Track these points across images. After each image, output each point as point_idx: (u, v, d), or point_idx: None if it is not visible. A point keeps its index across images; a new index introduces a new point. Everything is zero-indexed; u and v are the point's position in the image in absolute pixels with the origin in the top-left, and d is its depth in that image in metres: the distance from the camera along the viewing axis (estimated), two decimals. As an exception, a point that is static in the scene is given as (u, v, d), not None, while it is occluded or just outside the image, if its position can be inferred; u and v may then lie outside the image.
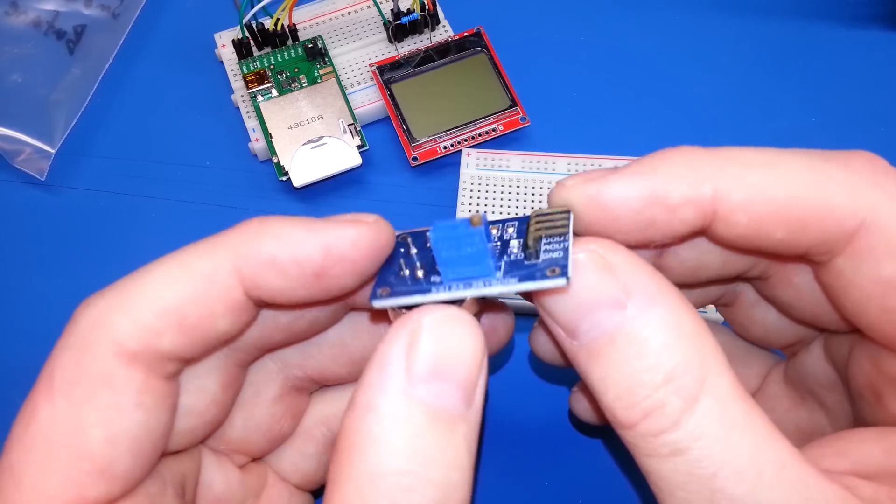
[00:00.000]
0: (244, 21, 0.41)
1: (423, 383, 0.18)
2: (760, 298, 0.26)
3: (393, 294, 0.20)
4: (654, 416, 0.18)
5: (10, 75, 0.42)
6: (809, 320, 0.24)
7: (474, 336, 0.19)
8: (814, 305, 0.23)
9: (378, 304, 0.20)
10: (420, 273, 0.21)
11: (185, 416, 0.22)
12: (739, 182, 0.20)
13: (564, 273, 0.19)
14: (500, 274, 0.20)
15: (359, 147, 0.39)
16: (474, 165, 0.38)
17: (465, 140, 0.39)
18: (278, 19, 0.41)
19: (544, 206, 0.35)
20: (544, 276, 0.19)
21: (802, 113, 0.41)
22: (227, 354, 0.23)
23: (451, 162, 0.39)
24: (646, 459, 0.18)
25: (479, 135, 0.39)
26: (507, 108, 0.40)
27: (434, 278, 0.20)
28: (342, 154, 0.39)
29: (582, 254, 0.19)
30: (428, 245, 0.22)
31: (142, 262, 0.38)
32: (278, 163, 0.39)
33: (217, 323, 0.20)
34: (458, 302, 0.20)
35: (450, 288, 0.20)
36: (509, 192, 0.37)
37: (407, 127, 0.39)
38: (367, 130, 0.41)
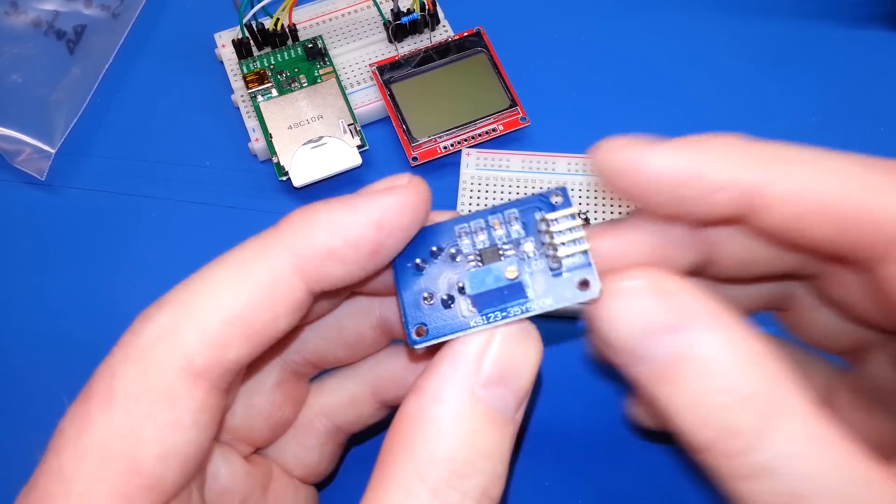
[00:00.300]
0: (244, 21, 0.41)
1: (488, 386, 0.19)
2: (817, 301, 0.25)
3: (430, 335, 0.21)
4: (728, 437, 0.18)
5: (10, 75, 0.42)
6: (868, 321, 0.23)
7: (537, 352, 0.20)
8: (870, 306, 0.22)
9: (420, 346, 0.21)
10: (445, 296, 0.21)
11: None
12: (781, 175, 0.20)
13: (592, 284, 0.20)
14: (531, 294, 0.21)
15: (359, 147, 0.39)
16: (474, 165, 0.38)
17: (465, 140, 0.39)
18: (278, 19, 0.41)
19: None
20: (576, 291, 0.20)
21: (803, 112, 0.40)
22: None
23: (451, 162, 0.39)
24: (729, 482, 0.18)
25: (479, 135, 0.39)
26: (507, 108, 0.40)
27: (465, 304, 0.21)
28: (342, 154, 0.39)
29: (640, 280, 0.19)
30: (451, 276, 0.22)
31: (141, 261, 0.38)
32: (278, 163, 0.39)
33: (279, 324, 0.20)
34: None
35: (488, 320, 0.20)
36: (509, 192, 0.37)
37: (407, 127, 0.39)
38: (366, 130, 0.41)
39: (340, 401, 0.27)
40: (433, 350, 0.21)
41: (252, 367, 0.24)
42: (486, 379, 0.19)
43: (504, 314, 0.20)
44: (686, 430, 0.18)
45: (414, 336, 0.21)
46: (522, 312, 0.20)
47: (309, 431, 0.27)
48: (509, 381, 0.20)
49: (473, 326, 0.20)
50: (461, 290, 0.21)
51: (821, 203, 0.19)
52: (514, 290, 0.21)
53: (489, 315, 0.20)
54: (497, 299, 0.21)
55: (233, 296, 0.19)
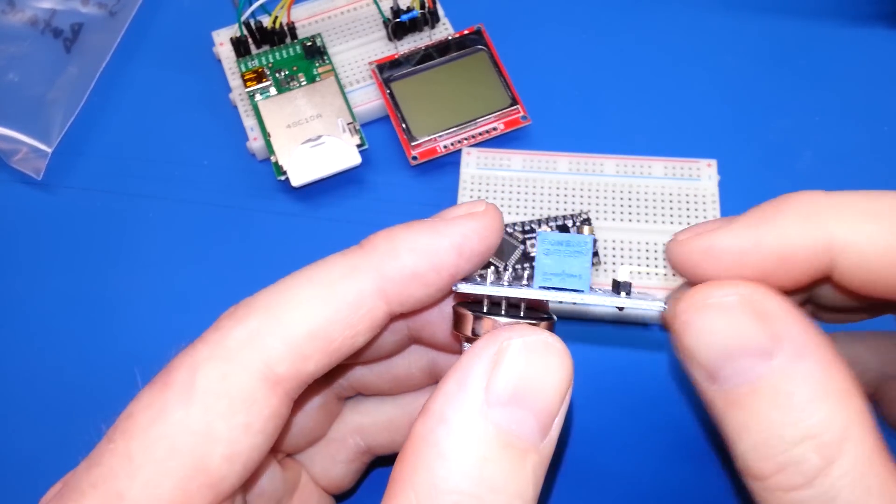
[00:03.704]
0: (242, 19, 0.40)
1: (501, 406, 0.18)
2: None
3: (478, 287, 0.20)
4: (788, 471, 0.17)
5: (6, 74, 0.42)
6: None
7: (563, 366, 0.18)
8: None
9: (464, 287, 0.20)
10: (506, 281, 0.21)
11: None
12: (856, 234, 0.19)
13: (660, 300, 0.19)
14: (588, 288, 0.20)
15: (358, 146, 0.39)
16: (475, 164, 0.38)
17: (466, 139, 0.39)
18: (277, 17, 0.41)
19: (547, 212, 0.35)
20: (639, 299, 0.19)
21: (804, 112, 0.40)
22: None
23: (451, 161, 0.39)
24: None
25: (480, 133, 0.39)
26: (507, 107, 0.39)
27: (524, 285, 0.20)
28: (341, 153, 0.38)
29: (732, 297, 0.19)
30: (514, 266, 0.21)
31: (139, 261, 0.38)
32: (276, 162, 0.38)
33: (357, 341, 0.20)
34: (539, 321, 0.20)
35: (547, 286, 0.19)
36: (510, 192, 0.37)
37: (407, 126, 0.39)
38: (366, 129, 0.40)
39: (376, 423, 0.27)
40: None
41: (309, 390, 0.24)
42: (498, 397, 0.18)
43: (554, 288, 0.19)
44: (746, 456, 0.18)
45: (461, 283, 0.20)
46: (580, 295, 0.19)
47: (340, 446, 0.27)
48: (527, 400, 0.18)
49: (528, 288, 0.19)
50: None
51: (892, 257, 0.19)
52: (579, 280, 0.20)
53: (549, 282, 0.19)
54: (558, 275, 0.20)
55: (319, 311, 0.19)
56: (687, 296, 0.19)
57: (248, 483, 0.23)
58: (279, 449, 0.26)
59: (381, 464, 0.31)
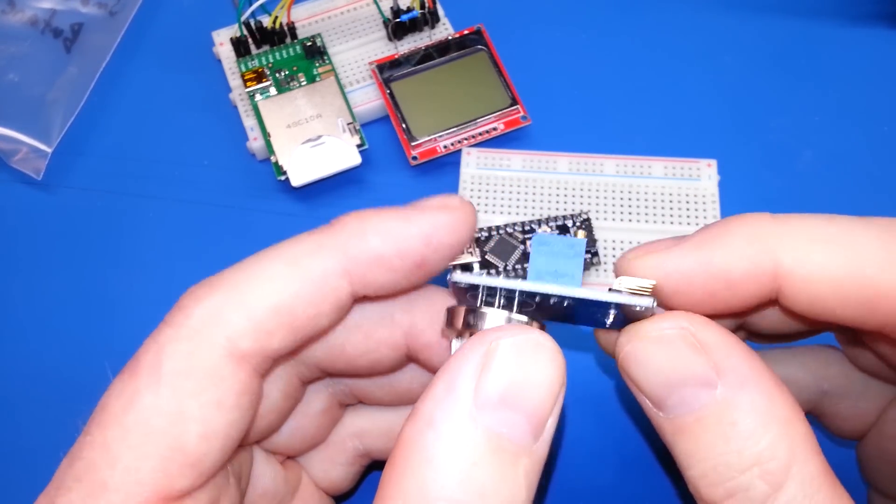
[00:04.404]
0: (242, 19, 0.40)
1: (490, 409, 0.17)
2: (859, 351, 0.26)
3: (473, 276, 0.20)
4: (737, 497, 0.18)
5: (6, 74, 0.42)
6: None
7: (554, 366, 0.18)
8: None
9: (458, 278, 0.20)
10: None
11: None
12: (803, 259, 0.19)
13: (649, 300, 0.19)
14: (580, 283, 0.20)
15: (358, 146, 0.39)
16: (475, 165, 0.38)
17: (466, 139, 0.39)
18: (277, 17, 0.41)
19: (545, 213, 0.35)
20: (629, 296, 0.19)
21: (804, 112, 0.40)
22: (291, 367, 0.23)
23: (451, 161, 0.39)
24: None
25: (480, 134, 0.39)
26: (507, 107, 0.39)
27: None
28: (341, 153, 0.38)
29: (672, 329, 0.19)
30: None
31: (139, 261, 0.38)
32: (276, 162, 0.38)
33: (321, 321, 0.20)
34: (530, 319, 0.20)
35: (539, 280, 0.19)
36: (510, 192, 0.37)
37: (407, 126, 0.39)
38: (366, 129, 0.40)
39: (375, 429, 0.28)
40: None
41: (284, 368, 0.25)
42: (486, 399, 0.17)
43: (554, 282, 0.20)
44: (697, 482, 0.18)
45: (454, 273, 0.20)
46: (571, 287, 0.19)
47: (340, 449, 0.28)
48: (518, 402, 0.17)
49: (520, 281, 0.19)
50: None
51: (846, 285, 0.19)
52: (571, 279, 0.20)
53: (541, 279, 0.20)
54: (551, 274, 0.20)
55: (282, 286, 0.19)
56: (629, 329, 0.20)
57: (246, 478, 0.23)
58: (287, 453, 0.26)
59: (378, 467, 0.31)
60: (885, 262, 0.19)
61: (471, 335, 0.19)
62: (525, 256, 0.35)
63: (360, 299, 0.22)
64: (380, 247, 0.20)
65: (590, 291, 0.19)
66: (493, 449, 0.17)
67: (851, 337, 0.25)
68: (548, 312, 0.21)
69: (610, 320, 0.21)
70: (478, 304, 0.20)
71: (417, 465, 0.17)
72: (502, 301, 0.20)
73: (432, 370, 0.25)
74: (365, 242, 0.20)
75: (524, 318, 0.20)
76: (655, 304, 0.19)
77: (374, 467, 0.30)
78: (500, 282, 0.19)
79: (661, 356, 0.19)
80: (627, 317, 0.20)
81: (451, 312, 0.21)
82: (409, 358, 0.24)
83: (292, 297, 0.19)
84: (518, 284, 0.19)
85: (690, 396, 0.18)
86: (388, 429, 0.27)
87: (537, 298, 0.20)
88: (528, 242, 0.34)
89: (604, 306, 0.20)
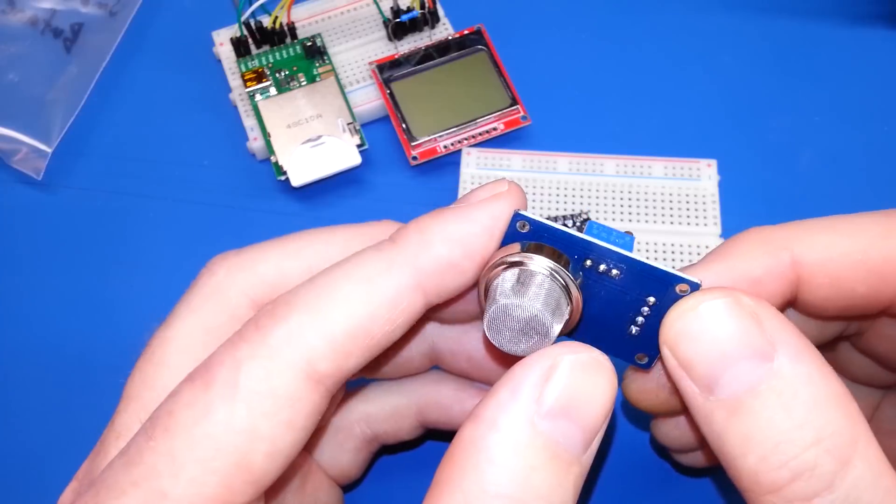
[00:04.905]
0: (242, 19, 0.40)
1: (550, 418, 0.18)
2: (856, 352, 0.26)
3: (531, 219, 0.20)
4: (805, 477, 0.17)
5: (6, 74, 0.42)
6: None
7: (610, 384, 0.19)
8: None
9: (526, 214, 0.20)
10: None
11: None
12: (813, 244, 0.20)
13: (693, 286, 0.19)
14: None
15: (358, 146, 0.39)
16: (475, 165, 0.38)
17: (466, 139, 0.39)
18: (277, 17, 0.41)
19: (560, 210, 0.35)
20: (675, 273, 0.20)
21: (804, 112, 0.40)
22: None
23: (451, 161, 0.39)
24: None
25: (480, 134, 0.39)
26: (507, 107, 0.39)
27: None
28: (341, 153, 0.38)
29: (725, 299, 0.18)
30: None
31: (139, 261, 0.38)
32: (277, 162, 0.38)
33: (395, 334, 0.20)
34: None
35: (601, 238, 0.20)
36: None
37: (407, 126, 0.39)
38: (366, 129, 0.40)
39: (382, 411, 0.28)
40: (502, 357, 0.20)
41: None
42: (549, 409, 0.18)
43: (602, 237, 0.20)
44: (757, 469, 0.17)
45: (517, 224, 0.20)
46: (621, 246, 0.20)
47: (348, 435, 0.28)
48: (576, 414, 0.18)
49: (584, 235, 0.20)
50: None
51: (856, 258, 0.20)
52: (625, 241, 0.20)
53: (592, 232, 0.20)
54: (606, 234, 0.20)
55: (360, 308, 0.19)
56: (677, 305, 0.19)
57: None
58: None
59: (385, 453, 0.31)
60: (882, 233, 0.20)
61: (511, 270, 0.20)
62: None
63: (438, 307, 0.22)
64: (448, 254, 0.20)
65: (641, 256, 0.20)
66: (551, 455, 0.18)
67: (855, 335, 0.25)
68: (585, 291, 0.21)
69: (647, 311, 0.21)
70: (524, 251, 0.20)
71: (479, 463, 0.17)
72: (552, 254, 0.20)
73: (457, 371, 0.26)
74: (433, 253, 0.20)
75: (569, 276, 0.20)
76: (698, 284, 0.19)
77: (380, 454, 0.31)
78: (562, 228, 0.20)
79: (715, 328, 0.18)
80: (665, 309, 0.20)
81: (498, 253, 0.21)
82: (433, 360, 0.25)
83: (369, 317, 0.19)
84: (582, 235, 0.20)
85: (748, 370, 0.18)
86: (394, 410, 0.28)
87: (589, 261, 0.20)
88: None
89: (656, 278, 0.20)
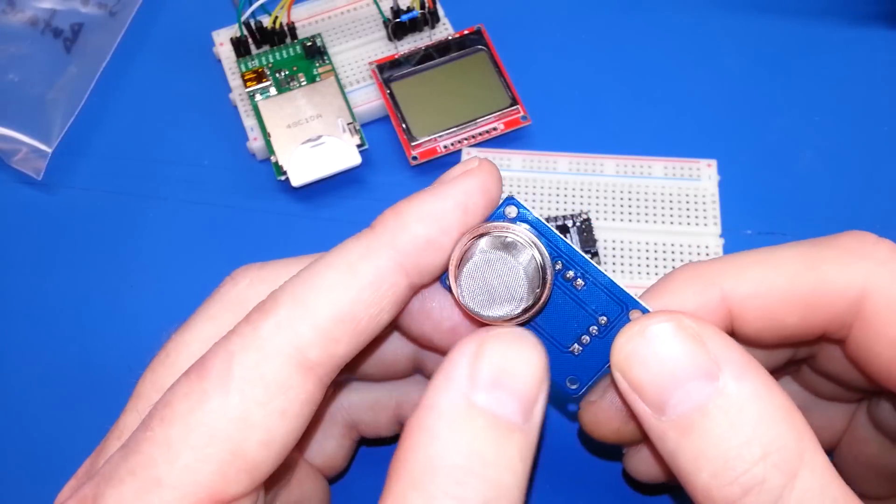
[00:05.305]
0: (242, 19, 0.40)
1: (484, 391, 0.19)
2: (815, 374, 0.26)
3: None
4: (755, 492, 0.18)
5: (6, 74, 0.42)
6: (863, 387, 0.24)
7: (537, 354, 0.20)
8: (852, 374, 0.23)
9: (519, 201, 0.21)
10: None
11: None
12: (741, 279, 0.21)
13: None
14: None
15: (358, 146, 0.39)
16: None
17: (466, 139, 0.39)
18: (277, 17, 0.41)
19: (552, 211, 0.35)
20: (636, 303, 0.21)
21: (804, 112, 0.40)
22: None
23: (451, 161, 0.39)
24: None
25: (480, 134, 0.39)
26: (507, 107, 0.39)
27: None
28: (341, 153, 0.38)
29: (670, 323, 0.19)
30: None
31: (139, 261, 0.38)
32: (276, 162, 0.38)
33: (383, 318, 0.21)
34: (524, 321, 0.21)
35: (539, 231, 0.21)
36: (510, 192, 0.37)
37: (407, 126, 0.39)
38: (366, 129, 0.40)
39: (363, 402, 0.29)
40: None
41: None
42: (480, 382, 0.19)
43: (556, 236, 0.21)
44: (709, 485, 0.18)
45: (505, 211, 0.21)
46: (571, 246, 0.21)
47: (332, 423, 0.29)
48: (508, 384, 0.19)
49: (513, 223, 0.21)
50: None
51: (784, 289, 0.21)
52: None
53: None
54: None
55: (343, 294, 0.20)
56: (626, 330, 0.20)
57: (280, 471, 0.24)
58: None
59: (367, 444, 0.32)
60: (807, 264, 0.21)
61: (495, 237, 0.21)
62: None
63: (419, 288, 0.22)
64: (425, 232, 0.21)
65: (588, 258, 0.21)
66: (489, 424, 0.19)
67: (809, 358, 0.26)
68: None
69: (595, 331, 0.22)
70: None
71: (424, 442, 0.18)
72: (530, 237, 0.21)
73: (421, 340, 0.26)
74: (410, 232, 0.20)
75: (550, 262, 0.21)
76: (649, 309, 0.20)
77: (363, 445, 0.31)
78: (551, 229, 0.21)
79: (664, 351, 0.19)
80: (612, 333, 0.21)
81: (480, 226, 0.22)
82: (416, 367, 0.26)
83: (353, 302, 0.20)
84: (563, 237, 0.21)
85: (695, 390, 0.18)
86: (374, 401, 0.29)
87: (561, 263, 0.21)
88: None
89: (617, 299, 0.21)
